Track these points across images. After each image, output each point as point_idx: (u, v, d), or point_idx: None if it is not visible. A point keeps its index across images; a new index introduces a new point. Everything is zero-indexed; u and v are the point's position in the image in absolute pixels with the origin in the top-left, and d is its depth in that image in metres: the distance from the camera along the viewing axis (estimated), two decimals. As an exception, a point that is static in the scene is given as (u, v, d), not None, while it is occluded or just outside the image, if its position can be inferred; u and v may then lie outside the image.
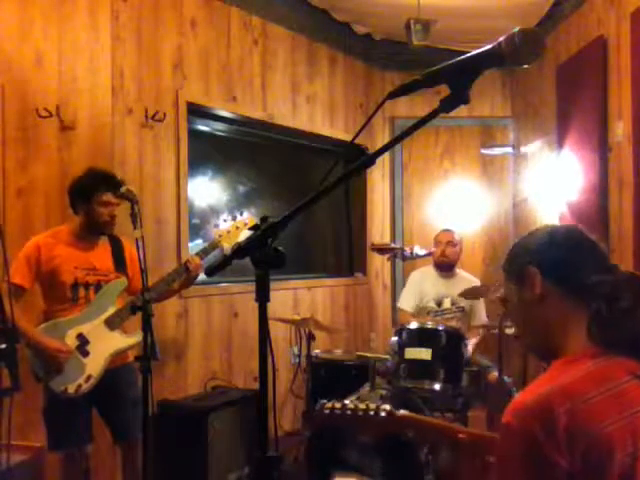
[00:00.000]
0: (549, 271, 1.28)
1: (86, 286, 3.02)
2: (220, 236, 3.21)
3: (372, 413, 1.71)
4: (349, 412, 1.74)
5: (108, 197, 2.98)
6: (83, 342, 2.96)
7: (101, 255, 3.08)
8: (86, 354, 2.96)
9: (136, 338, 2.96)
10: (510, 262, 1.36)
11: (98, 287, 3.04)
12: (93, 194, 2.97)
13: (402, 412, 1.74)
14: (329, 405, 1.76)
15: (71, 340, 2.95)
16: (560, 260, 1.28)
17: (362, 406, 1.74)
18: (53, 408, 3.00)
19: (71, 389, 2.91)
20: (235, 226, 3.25)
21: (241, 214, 3.32)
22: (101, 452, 3.30)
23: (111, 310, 3.02)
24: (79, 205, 3.03)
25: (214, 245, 3.22)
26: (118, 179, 3.05)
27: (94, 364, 2.96)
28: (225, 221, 3.31)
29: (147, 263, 2.71)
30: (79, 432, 3.02)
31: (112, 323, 3.00)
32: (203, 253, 3.22)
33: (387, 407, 1.74)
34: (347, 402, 1.76)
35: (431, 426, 1.79)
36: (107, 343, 2.99)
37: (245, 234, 3.28)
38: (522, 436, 1.11)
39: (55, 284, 2.99)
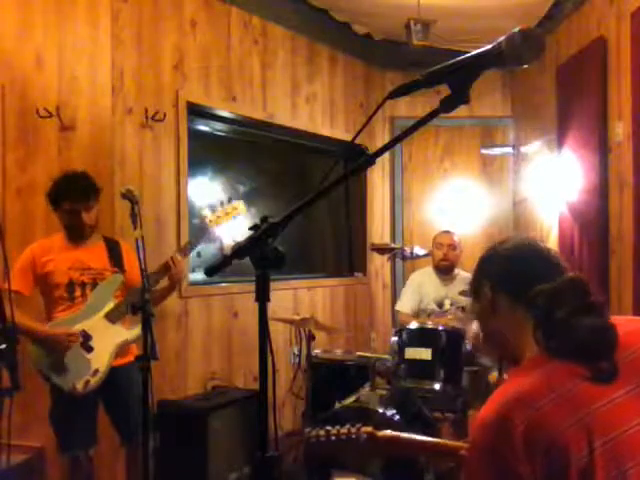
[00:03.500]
0: (498, 284, 1.37)
1: (82, 285, 3.04)
2: (210, 221, 3.20)
3: (354, 437, 1.74)
4: (333, 438, 1.77)
5: (71, 204, 3.00)
6: (86, 338, 2.97)
7: (95, 254, 3.09)
8: (90, 349, 2.97)
9: (139, 329, 2.95)
10: (472, 279, 1.48)
11: (94, 286, 3.05)
12: (57, 203, 3.03)
13: (384, 432, 1.76)
14: (313, 433, 1.79)
15: None
16: (507, 272, 1.37)
17: (344, 430, 1.77)
18: (60, 410, 3.01)
19: (79, 385, 2.92)
20: (225, 211, 3.24)
21: (229, 201, 3.30)
22: (103, 452, 3.30)
23: (110, 305, 3.03)
24: (55, 212, 3.08)
25: (204, 229, 3.21)
26: (82, 183, 3.04)
27: (100, 358, 2.98)
28: (214, 210, 3.30)
29: (147, 263, 2.71)
30: (86, 434, 3.04)
31: (113, 317, 3.01)
32: (195, 240, 3.22)
33: (368, 429, 1.76)
34: (329, 428, 1.80)
35: (417, 444, 1.81)
36: (111, 336, 3.01)
37: (234, 220, 3.26)
38: (486, 450, 1.17)
39: (51, 287, 3.02)
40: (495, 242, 1.48)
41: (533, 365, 1.26)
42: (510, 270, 1.37)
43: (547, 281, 1.29)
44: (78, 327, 2.97)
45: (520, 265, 1.37)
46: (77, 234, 3.07)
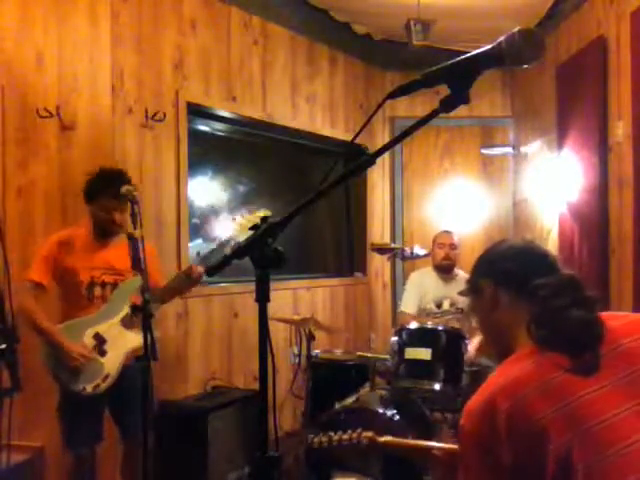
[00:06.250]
0: (500, 280, 1.43)
1: (102, 285, 3.04)
2: (241, 225, 3.19)
3: (355, 442, 1.80)
4: (335, 444, 1.83)
5: (107, 201, 2.98)
6: (100, 342, 2.98)
7: (118, 254, 3.05)
8: (103, 353, 2.98)
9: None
10: (470, 276, 1.53)
11: (114, 287, 3.05)
12: (93, 197, 3.01)
13: (385, 438, 1.81)
14: (316, 440, 1.86)
15: (89, 340, 2.97)
16: (509, 269, 1.43)
17: (345, 436, 1.84)
18: (68, 406, 3.01)
19: (89, 388, 2.93)
20: (254, 218, 3.23)
21: (249, 212, 3.32)
22: (106, 450, 3.29)
23: (126, 309, 3.02)
24: (87, 206, 3.06)
25: (231, 236, 3.20)
26: (120, 183, 2.95)
27: (111, 363, 2.98)
28: (242, 216, 3.29)
29: (147, 263, 2.70)
30: (92, 432, 3.04)
31: (128, 322, 3.00)
32: (219, 247, 3.22)
33: (369, 434, 1.81)
34: (332, 434, 1.86)
35: (417, 449, 1.86)
36: (123, 342, 3.00)
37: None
38: (472, 436, 1.24)
39: (72, 283, 3.00)
40: (493, 243, 1.55)
41: (522, 356, 1.31)
42: (511, 267, 1.43)
43: (545, 277, 1.36)
44: (94, 330, 2.97)
45: (521, 262, 1.43)
46: (106, 232, 3.05)
